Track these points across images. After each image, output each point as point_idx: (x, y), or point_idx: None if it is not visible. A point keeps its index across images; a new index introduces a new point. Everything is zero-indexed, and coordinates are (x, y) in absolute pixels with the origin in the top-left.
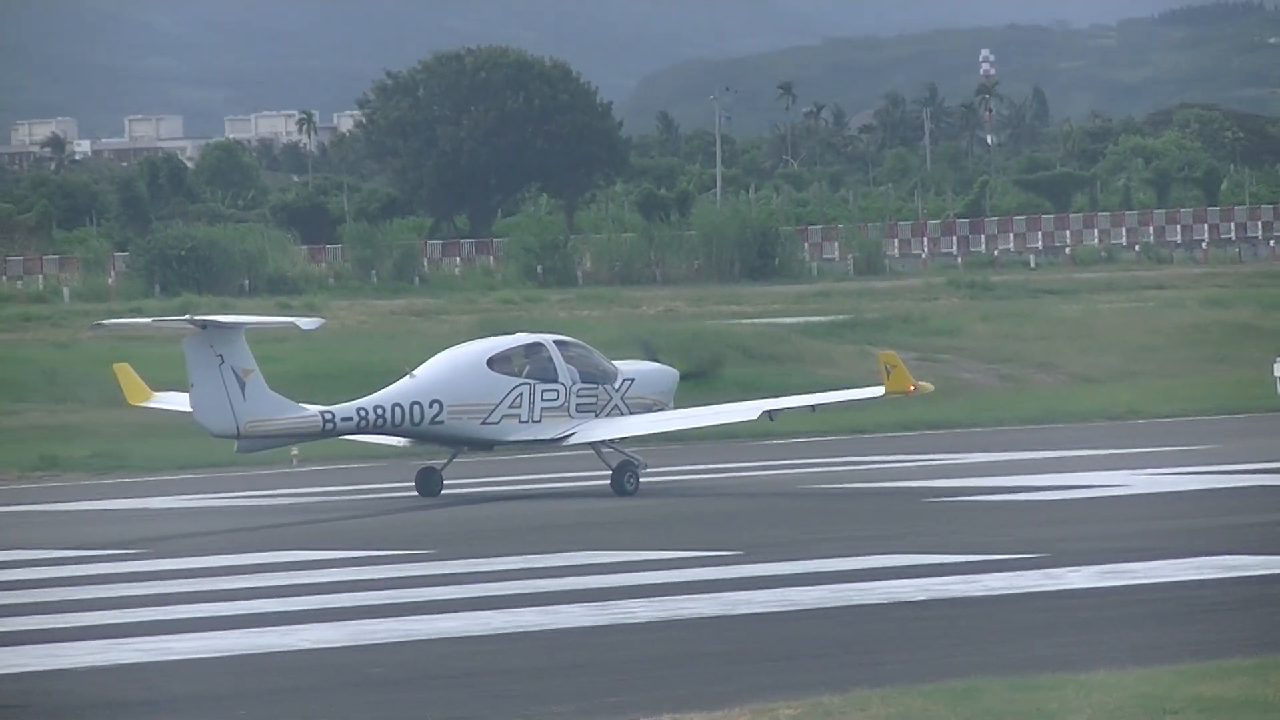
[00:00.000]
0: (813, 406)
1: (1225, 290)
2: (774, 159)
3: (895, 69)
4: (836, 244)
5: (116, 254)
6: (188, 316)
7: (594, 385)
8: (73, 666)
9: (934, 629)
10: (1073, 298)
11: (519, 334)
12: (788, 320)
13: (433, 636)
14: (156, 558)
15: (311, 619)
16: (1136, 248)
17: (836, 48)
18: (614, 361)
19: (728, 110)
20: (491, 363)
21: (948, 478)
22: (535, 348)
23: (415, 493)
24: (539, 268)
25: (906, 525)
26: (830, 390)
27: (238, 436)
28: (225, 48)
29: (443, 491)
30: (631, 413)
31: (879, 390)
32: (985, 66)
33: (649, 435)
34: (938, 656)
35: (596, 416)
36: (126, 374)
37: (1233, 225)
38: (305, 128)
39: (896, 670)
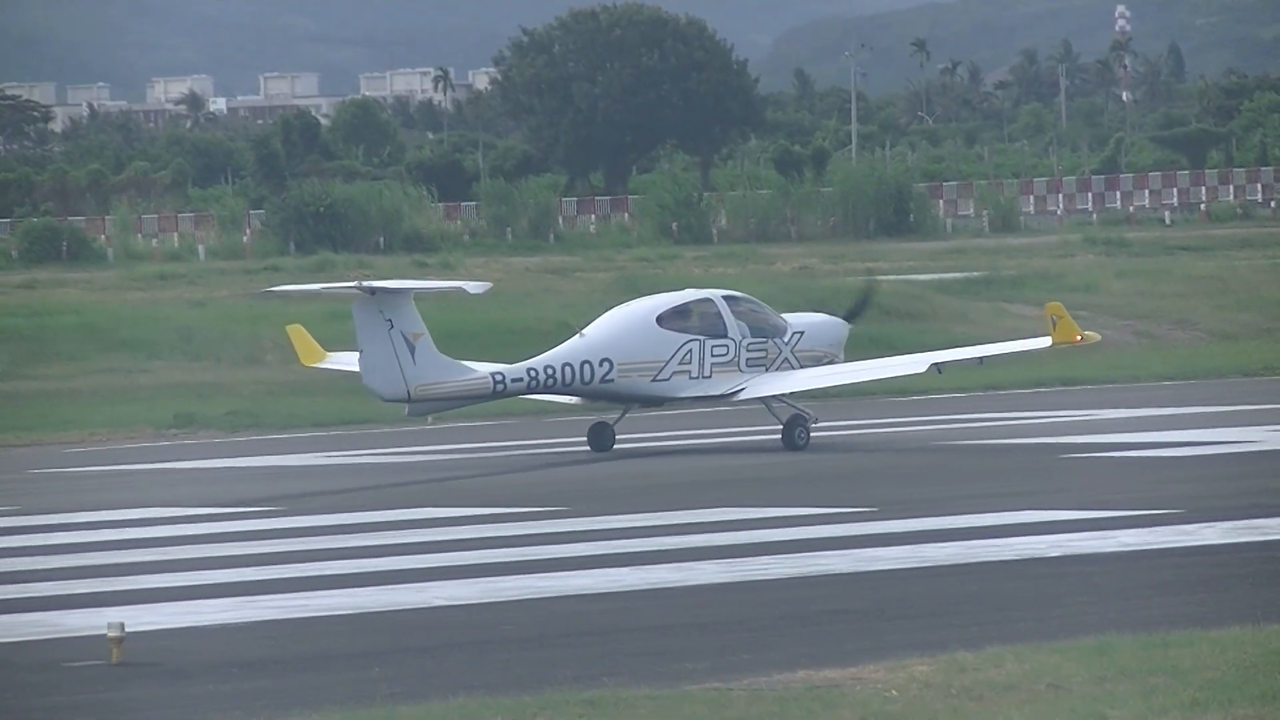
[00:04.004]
0: (980, 359)
1: None
2: (909, 116)
3: (1031, 25)
4: (972, 201)
5: (251, 212)
6: (356, 283)
7: (763, 340)
8: (206, 624)
9: (1067, 585)
10: (1209, 254)
11: (687, 290)
12: (923, 277)
13: (565, 594)
14: (290, 515)
15: (444, 576)
16: (1272, 204)
17: (972, 4)
18: (783, 315)
19: (863, 67)
20: (661, 320)
21: (1082, 434)
22: (704, 303)
23: (587, 447)
24: (674, 225)
25: (1040, 481)
26: (993, 342)
27: (408, 400)
28: (361, 5)
29: (614, 446)
30: (801, 366)
31: (1046, 341)
32: (1120, 23)
33: (817, 390)
34: (1071, 613)
35: (766, 371)
36: (300, 335)
37: None
38: (441, 85)
39: (1030, 627)
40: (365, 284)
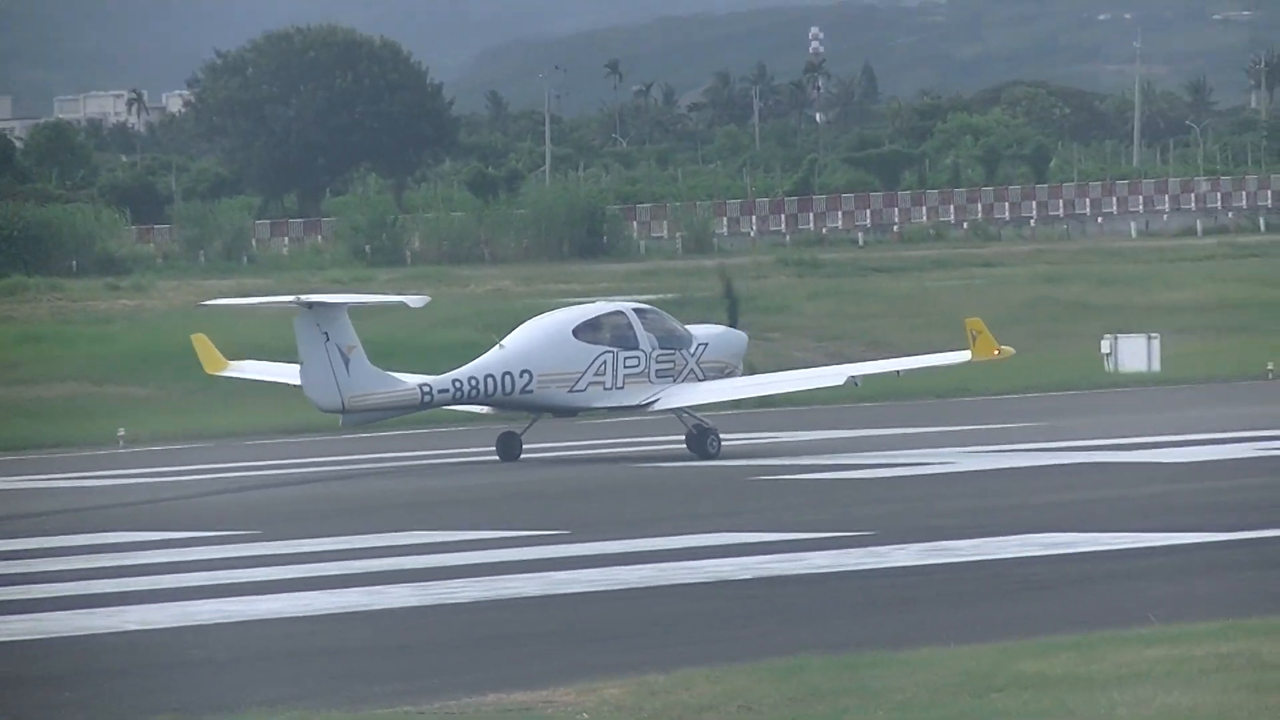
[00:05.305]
0: (898, 371)
1: (1054, 267)
2: (603, 137)
3: (725, 47)
4: (665, 222)
5: None
6: (295, 297)
7: (671, 351)
8: None
9: (759, 607)
10: (902, 275)
11: (599, 302)
12: (618, 300)
13: (256, 617)
14: None
15: (135, 600)
16: (965, 225)
17: (666, 26)
18: (688, 326)
19: (558, 89)
20: (576, 332)
21: (774, 456)
22: (616, 315)
23: (496, 457)
24: (367, 247)
25: (732, 503)
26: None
27: (343, 411)
28: (55, 27)
29: (521, 456)
30: (706, 377)
31: (965, 355)
32: (814, 44)
33: (730, 400)
34: (763, 635)
35: (674, 382)
36: (203, 344)
37: (1061, 202)
38: (134, 107)
39: (721, 649)
40: (304, 298)
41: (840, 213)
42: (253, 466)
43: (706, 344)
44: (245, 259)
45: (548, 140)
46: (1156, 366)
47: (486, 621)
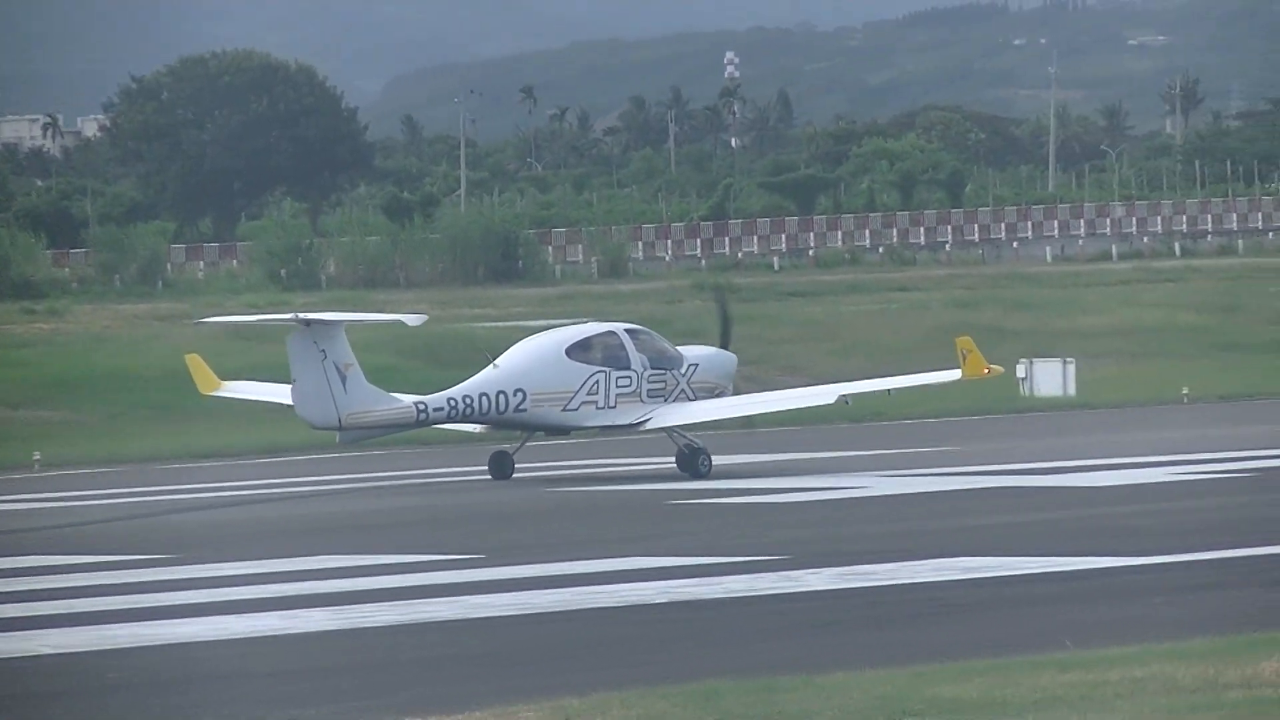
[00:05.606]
0: (889, 390)
1: (970, 292)
2: (518, 162)
3: (640, 71)
4: (581, 246)
5: None
6: (292, 315)
7: (662, 371)
8: None
9: (674, 631)
10: (817, 300)
11: (589, 323)
12: (532, 324)
13: (172, 641)
14: None
15: (51, 624)
16: (880, 250)
17: (582, 50)
18: (679, 347)
19: (473, 113)
20: (569, 351)
21: (691, 480)
22: (608, 336)
23: (488, 476)
24: (283, 271)
25: (648, 527)
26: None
27: (339, 428)
28: None
29: (513, 475)
30: (697, 397)
31: (956, 374)
32: (730, 69)
33: (722, 419)
34: (678, 659)
35: (665, 402)
36: (197, 364)
37: (976, 227)
38: (49, 132)
39: (637, 673)
40: (301, 316)
41: (756, 237)
42: (171, 490)
43: (697, 364)
44: (160, 283)
45: (463, 164)
46: (1072, 391)
47: (402, 645)
